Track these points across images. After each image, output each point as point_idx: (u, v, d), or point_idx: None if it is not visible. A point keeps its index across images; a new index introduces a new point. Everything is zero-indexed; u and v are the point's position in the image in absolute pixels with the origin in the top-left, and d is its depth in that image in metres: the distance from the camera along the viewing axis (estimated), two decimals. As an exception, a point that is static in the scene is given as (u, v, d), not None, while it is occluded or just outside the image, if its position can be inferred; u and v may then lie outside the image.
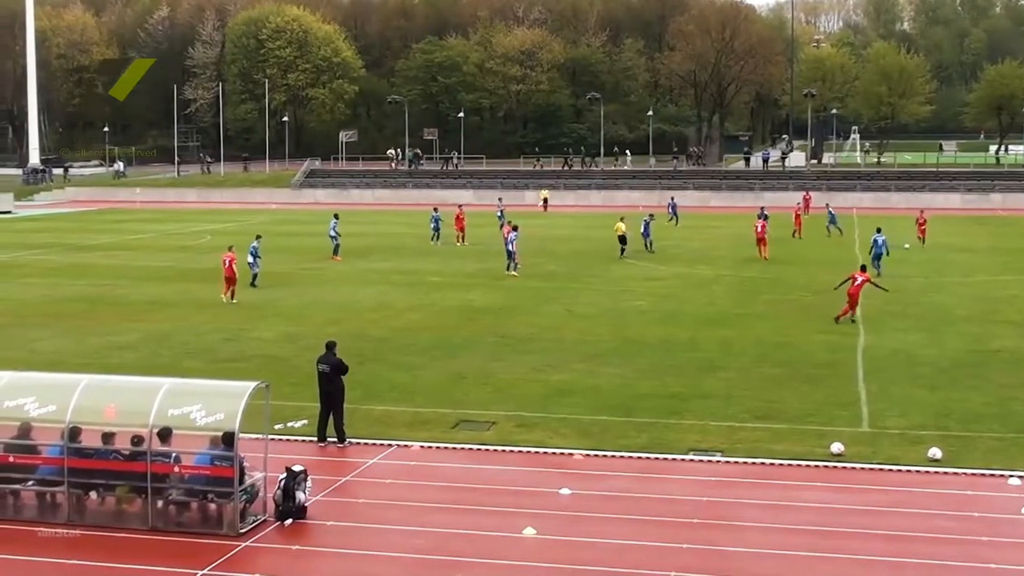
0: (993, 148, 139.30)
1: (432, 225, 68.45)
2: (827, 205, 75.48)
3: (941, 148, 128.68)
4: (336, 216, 63.16)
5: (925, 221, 67.53)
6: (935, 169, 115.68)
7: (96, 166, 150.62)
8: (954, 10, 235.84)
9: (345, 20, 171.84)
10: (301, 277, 53.33)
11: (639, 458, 24.43)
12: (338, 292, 48.69)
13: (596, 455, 24.66)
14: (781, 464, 23.94)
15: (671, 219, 78.49)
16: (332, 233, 60.54)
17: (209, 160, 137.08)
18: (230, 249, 46.37)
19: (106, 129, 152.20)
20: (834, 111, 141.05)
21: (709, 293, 48.24)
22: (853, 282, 40.15)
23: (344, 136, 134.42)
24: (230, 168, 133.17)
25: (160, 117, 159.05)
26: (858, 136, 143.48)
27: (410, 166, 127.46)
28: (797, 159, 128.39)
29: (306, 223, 79.61)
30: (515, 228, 55.30)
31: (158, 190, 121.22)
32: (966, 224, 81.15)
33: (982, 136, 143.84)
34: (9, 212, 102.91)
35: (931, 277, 52.94)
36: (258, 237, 51.13)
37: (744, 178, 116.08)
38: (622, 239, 60.38)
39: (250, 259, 49.08)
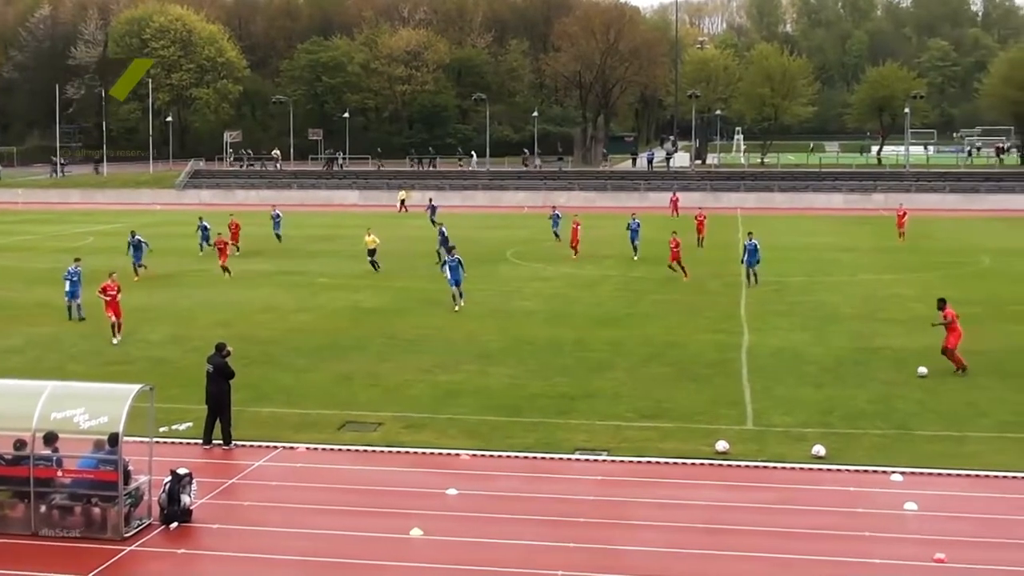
0: (875, 149, 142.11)
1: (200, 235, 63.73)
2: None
3: (813, 149, 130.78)
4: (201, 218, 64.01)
5: (905, 214, 69.28)
6: (818, 169, 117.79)
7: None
8: (836, 12, 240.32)
9: (229, 20, 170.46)
10: (187, 279, 52.78)
11: (527, 458, 24.61)
12: (226, 294, 48.26)
13: (483, 455, 24.79)
14: (668, 462, 24.23)
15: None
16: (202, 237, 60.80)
17: (97, 160, 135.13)
18: (111, 276, 38.70)
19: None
20: (718, 112, 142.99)
21: (597, 293, 48.62)
22: None
23: (228, 136, 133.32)
24: (113, 169, 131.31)
25: (42, 116, 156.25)
26: (742, 137, 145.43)
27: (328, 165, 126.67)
28: (682, 160, 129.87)
29: (190, 224, 78.71)
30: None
31: (40, 191, 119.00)
32: (848, 224, 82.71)
33: (876, 135, 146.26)
34: None
35: (815, 276, 53.88)
36: (77, 260, 42.64)
37: (629, 178, 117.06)
38: (371, 252, 55.16)
39: (67, 287, 41.22)
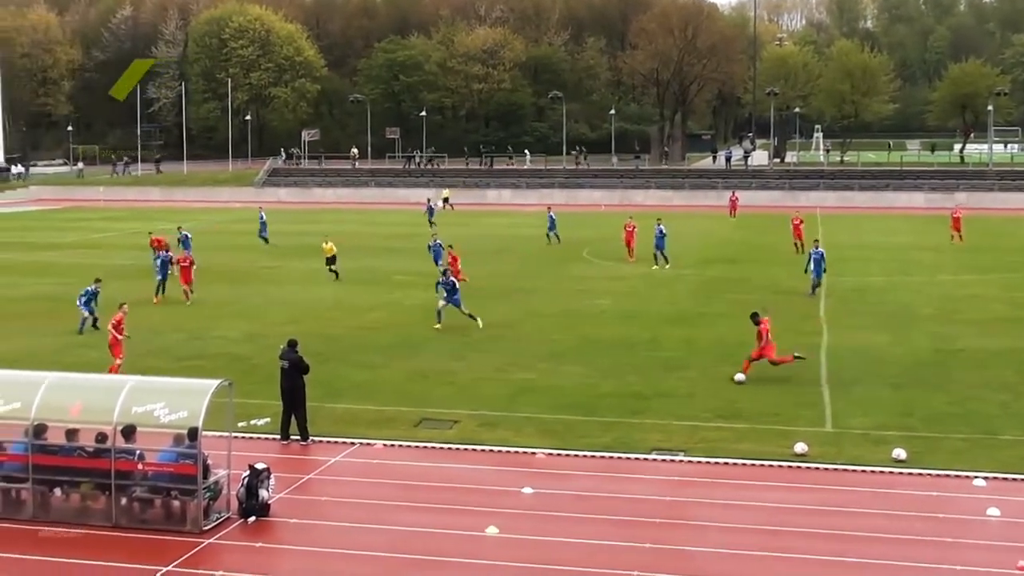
0: (957, 147, 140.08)
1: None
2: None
3: (893, 147, 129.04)
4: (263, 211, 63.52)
5: (959, 216, 67.64)
6: (899, 168, 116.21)
7: (60, 165, 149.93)
8: (918, 8, 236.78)
9: (307, 19, 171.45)
10: (261, 276, 53.22)
11: (602, 457, 24.53)
12: (299, 291, 48.61)
13: (559, 454, 24.75)
14: (744, 464, 24.06)
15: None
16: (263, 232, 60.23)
17: (127, 161, 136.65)
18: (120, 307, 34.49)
19: (69, 128, 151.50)
20: (797, 110, 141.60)
21: (671, 292, 48.40)
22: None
23: (306, 135, 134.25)
24: (193, 167, 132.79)
25: (123, 116, 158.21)
26: (821, 135, 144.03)
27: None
28: (760, 158, 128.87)
29: (272, 222, 79.27)
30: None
31: (121, 188, 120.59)
32: (929, 223, 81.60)
33: (963, 133, 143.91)
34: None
35: (895, 276, 53.25)
36: (97, 281, 40.95)
37: (707, 177, 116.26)
38: (330, 260, 52.56)
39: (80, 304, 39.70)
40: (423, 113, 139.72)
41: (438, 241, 52.96)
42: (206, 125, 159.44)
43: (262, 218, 68.45)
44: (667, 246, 56.34)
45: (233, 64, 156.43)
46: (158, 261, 46.47)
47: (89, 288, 39.61)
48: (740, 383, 31.05)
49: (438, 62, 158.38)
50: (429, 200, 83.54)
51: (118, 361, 31.64)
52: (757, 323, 31.94)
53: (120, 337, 32.33)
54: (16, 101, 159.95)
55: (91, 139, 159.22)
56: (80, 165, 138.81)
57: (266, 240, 66.00)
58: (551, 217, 68.07)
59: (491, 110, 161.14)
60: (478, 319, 39.42)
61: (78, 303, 39.24)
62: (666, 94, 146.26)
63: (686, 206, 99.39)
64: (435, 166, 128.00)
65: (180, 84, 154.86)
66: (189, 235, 56.49)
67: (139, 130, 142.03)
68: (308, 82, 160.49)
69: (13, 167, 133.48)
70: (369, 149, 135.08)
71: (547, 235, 67.40)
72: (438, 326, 39.04)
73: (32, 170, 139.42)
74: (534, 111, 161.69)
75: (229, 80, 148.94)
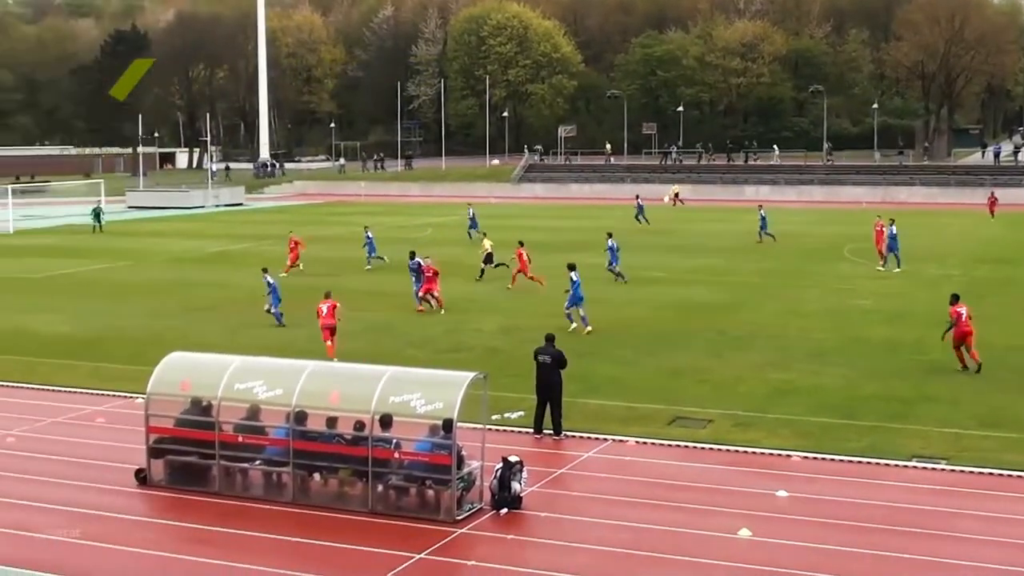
0: None
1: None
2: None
3: None
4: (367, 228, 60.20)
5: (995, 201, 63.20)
6: None
7: (322, 161, 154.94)
8: None
9: (565, 15, 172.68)
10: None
11: (859, 462, 23.81)
12: (554, 286, 48.80)
13: (815, 457, 24.13)
14: (1011, 475, 22.95)
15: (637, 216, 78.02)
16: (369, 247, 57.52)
17: (376, 158, 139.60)
18: (327, 297, 35.03)
19: (332, 125, 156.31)
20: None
21: (937, 293, 46.70)
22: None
23: (563, 131, 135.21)
24: (450, 163, 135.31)
25: (384, 113, 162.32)
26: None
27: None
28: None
29: (523, 217, 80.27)
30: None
31: (382, 184, 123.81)
32: None
33: None
34: (240, 204, 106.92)
35: None
36: (265, 270, 41.69)
37: (974, 173, 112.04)
38: (487, 259, 52.08)
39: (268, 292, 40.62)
40: (680, 108, 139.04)
41: (613, 243, 51.19)
42: (464, 122, 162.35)
43: (471, 214, 69.25)
44: (900, 247, 54.24)
45: (491, 61, 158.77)
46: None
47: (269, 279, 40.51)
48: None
49: (696, 56, 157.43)
50: (638, 197, 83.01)
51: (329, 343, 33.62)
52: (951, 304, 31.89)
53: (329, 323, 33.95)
54: (282, 99, 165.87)
55: (353, 136, 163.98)
56: (341, 161, 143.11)
57: (484, 234, 66.81)
58: (762, 216, 67.07)
59: (750, 105, 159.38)
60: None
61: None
62: (931, 87, 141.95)
63: (951, 204, 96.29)
64: (679, 161, 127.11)
65: (439, 81, 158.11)
66: (372, 236, 56.76)
67: (399, 127, 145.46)
68: (565, 78, 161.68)
69: (265, 165, 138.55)
70: (625, 145, 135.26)
71: (759, 233, 66.36)
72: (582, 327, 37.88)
73: (296, 166, 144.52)
74: (794, 106, 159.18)
75: (487, 77, 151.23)
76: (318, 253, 58.17)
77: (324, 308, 34.31)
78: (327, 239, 69.15)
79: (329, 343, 33.79)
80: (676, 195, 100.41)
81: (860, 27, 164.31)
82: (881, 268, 53.68)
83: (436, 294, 42.51)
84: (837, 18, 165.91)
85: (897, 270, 53.06)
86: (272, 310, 40.08)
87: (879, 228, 56.78)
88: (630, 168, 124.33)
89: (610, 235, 51.50)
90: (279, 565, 18.34)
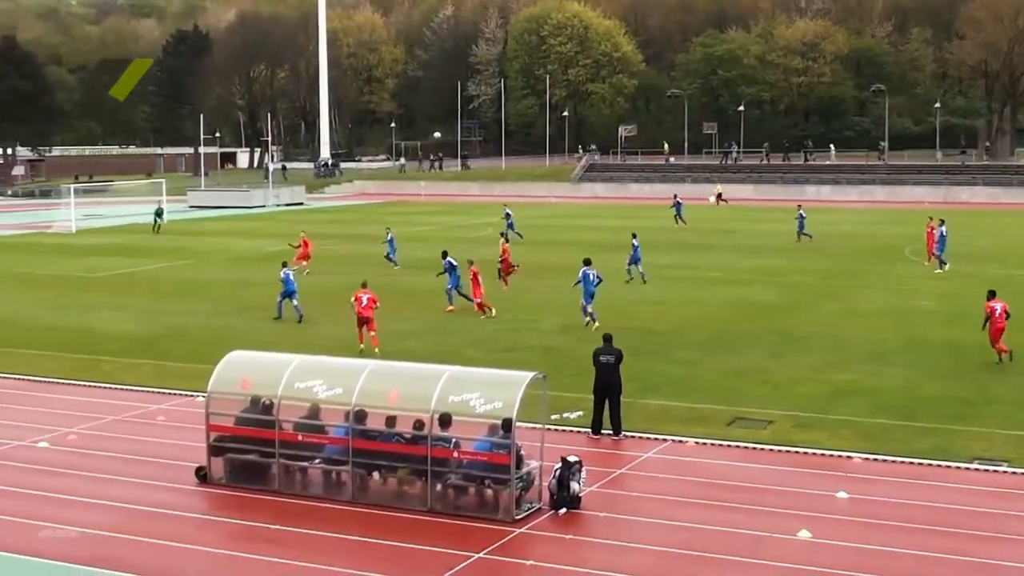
0: None
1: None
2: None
3: None
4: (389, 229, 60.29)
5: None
6: None
7: (383, 160, 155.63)
8: None
9: (625, 15, 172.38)
10: (570, 268, 53.53)
11: (920, 464, 23.60)
12: (614, 286, 48.77)
13: (876, 459, 23.94)
14: (1075, 476, 22.67)
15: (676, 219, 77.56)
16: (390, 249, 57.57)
17: (433, 158, 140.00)
18: (364, 287, 36.23)
19: (392, 125, 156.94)
20: None
21: (1000, 294, 46.17)
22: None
23: (623, 131, 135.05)
24: (510, 163, 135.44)
25: (444, 113, 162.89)
26: None
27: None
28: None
29: (581, 217, 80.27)
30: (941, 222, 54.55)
31: (442, 183, 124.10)
32: None
33: None
34: (301, 204, 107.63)
35: None
36: (284, 264, 43.43)
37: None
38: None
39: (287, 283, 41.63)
40: (740, 108, 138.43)
41: (635, 243, 51.01)
42: (524, 121, 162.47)
43: (508, 215, 69.27)
44: (949, 248, 53.72)
45: (551, 61, 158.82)
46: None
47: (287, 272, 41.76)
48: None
49: (757, 56, 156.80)
50: (676, 196, 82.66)
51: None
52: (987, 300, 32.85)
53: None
54: (342, 99, 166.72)
55: (413, 136, 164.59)
56: (402, 161, 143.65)
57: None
58: (801, 216, 66.77)
59: (811, 104, 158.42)
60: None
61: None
62: (995, 86, 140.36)
63: (1014, 204, 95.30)
64: (738, 160, 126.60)
65: (499, 81, 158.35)
66: (394, 237, 57.36)
67: (459, 126, 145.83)
68: (625, 78, 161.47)
69: (326, 164, 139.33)
70: (685, 144, 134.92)
71: (797, 234, 66.24)
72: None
73: (355, 166, 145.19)
74: (855, 105, 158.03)
75: (547, 76, 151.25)
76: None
77: (364, 298, 35.14)
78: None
79: (373, 334, 34.70)
80: (719, 195, 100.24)
81: (923, 26, 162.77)
82: (932, 268, 53.42)
83: (479, 299, 41.80)
84: (899, 17, 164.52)
85: (938, 271, 52.85)
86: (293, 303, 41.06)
87: (931, 229, 56.16)
88: (690, 168, 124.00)
89: (635, 235, 51.55)
90: (338, 563, 18.43)
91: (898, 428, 26.08)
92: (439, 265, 43.74)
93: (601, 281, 39.85)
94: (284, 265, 42.87)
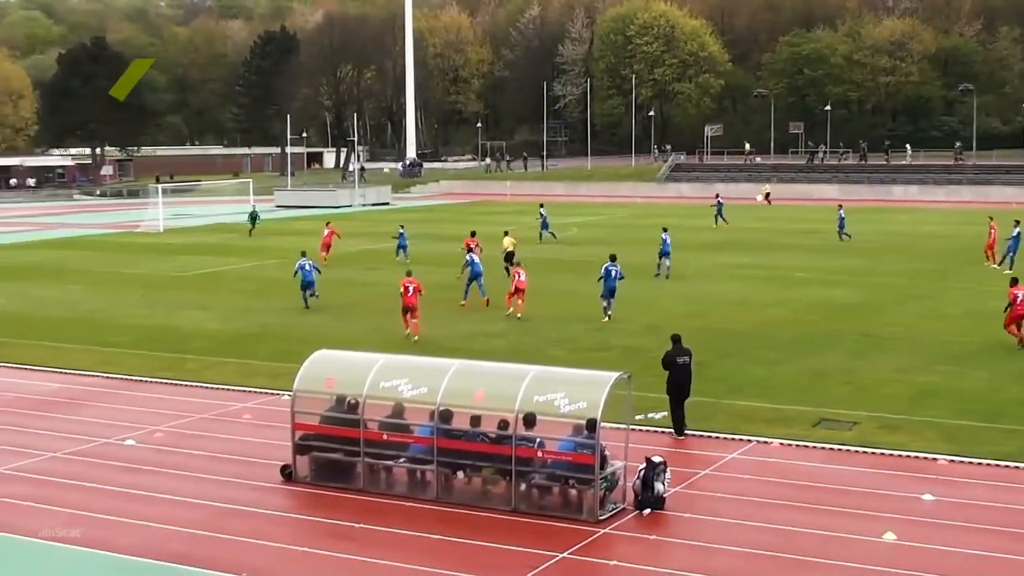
0: None
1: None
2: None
3: None
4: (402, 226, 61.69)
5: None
6: None
7: (468, 160, 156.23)
8: None
9: (712, 14, 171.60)
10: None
11: (1006, 466, 23.42)
12: (697, 286, 48.76)
13: (961, 461, 23.78)
14: None
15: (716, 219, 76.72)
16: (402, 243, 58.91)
17: (499, 159, 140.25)
18: (409, 275, 38.21)
19: (478, 125, 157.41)
20: None
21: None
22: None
23: (709, 130, 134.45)
24: (596, 163, 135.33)
25: (530, 112, 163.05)
26: None
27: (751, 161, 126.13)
28: None
29: (664, 217, 79.93)
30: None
31: (528, 183, 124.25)
32: None
33: None
34: (387, 204, 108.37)
35: None
36: (303, 254, 45.44)
37: None
38: (508, 256, 50.88)
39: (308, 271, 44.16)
40: (827, 107, 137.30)
41: (665, 236, 51.92)
42: (610, 121, 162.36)
43: (543, 215, 69.80)
44: (1021, 249, 53.37)
45: (637, 60, 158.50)
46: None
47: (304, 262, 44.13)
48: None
49: (844, 55, 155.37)
50: (718, 195, 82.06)
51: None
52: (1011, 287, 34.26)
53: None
54: (429, 99, 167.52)
55: (499, 135, 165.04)
56: (487, 160, 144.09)
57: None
58: (841, 216, 66.78)
59: (898, 103, 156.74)
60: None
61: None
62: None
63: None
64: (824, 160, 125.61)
65: (585, 81, 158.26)
66: (405, 233, 59.00)
67: (544, 126, 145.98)
68: (712, 77, 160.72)
69: (413, 164, 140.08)
70: (772, 144, 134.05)
71: (839, 234, 66.09)
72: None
73: (441, 166, 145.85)
74: (943, 104, 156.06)
75: (633, 76, 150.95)
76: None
77: (410, 287, 36.83)
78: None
79: (415, 321, 36.53)
80: (767, 195, 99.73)
81: (1012, 25, 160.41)
82: (995, 267, 53.01)
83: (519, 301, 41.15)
84: (988, 16, 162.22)
85: (996, 266, 52.75)
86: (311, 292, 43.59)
87: (993, 229, 55.94)
88: (776, 167, 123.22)
89: (665, 230, 52.14)
90: (422, 562, 18.61)
91: (982, 430, 25.88)
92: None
93: (622, 278, 40.54)
94: (303, 254, 45.08)
